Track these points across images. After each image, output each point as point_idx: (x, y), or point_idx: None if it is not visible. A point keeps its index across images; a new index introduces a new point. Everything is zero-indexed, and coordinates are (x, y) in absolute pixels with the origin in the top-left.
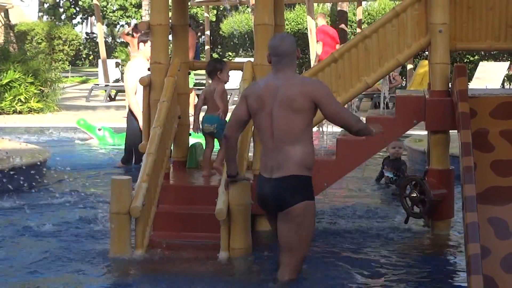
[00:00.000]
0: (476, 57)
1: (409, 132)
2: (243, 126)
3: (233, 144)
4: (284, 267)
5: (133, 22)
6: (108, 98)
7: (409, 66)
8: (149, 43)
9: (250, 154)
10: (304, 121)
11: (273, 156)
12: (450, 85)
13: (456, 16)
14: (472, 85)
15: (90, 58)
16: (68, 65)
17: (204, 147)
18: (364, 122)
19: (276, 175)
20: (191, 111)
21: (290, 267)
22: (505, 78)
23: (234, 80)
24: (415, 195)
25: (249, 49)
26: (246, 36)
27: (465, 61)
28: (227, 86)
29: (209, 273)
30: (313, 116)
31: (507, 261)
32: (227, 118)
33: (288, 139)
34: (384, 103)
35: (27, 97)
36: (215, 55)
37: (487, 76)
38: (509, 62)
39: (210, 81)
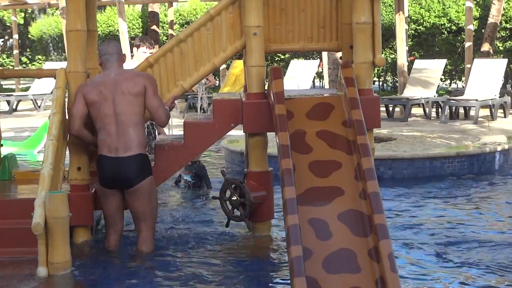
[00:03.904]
0: (287, 55)
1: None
2: (84, 119)
3: (84, 135)
4: (143, 238)
5: None
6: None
7: (222, 66)
8: (141, 48)
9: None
10: (141, 106)
11: (117, 138)
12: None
13: (270, 18)
14: (284, 83)
15: None
16: None
17: (15, 158)
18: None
19: (124, 154)
20: None
21: (148, 237)
22: (316, 75)
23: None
24: (235, 198)
25: (60, 51)
26: (56, 39)
27: (276, 59)
28: (37, 91)
29: None
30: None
31: (329, 261)
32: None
33: (130, 122)
34: (200, 106)
35: None
36: (24, 59)
37: (299, 75)
38: (319, 60)
39: None
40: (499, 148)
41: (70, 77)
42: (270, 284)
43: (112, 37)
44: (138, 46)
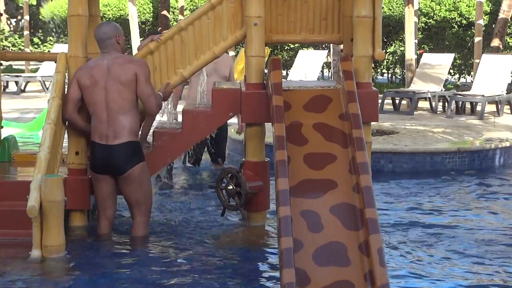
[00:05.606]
0: (297, 44)
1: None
2: (77, 103)
3: (76, 120)
4: (137, 223)
5: None
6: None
7: (231, 53)
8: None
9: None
10: (132, 94)
11: (108, 125)
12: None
13: (272, 8)
14: (292, 73)
15: None
16: None
17: (15, 141)
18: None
19: (114, 142)
20: None
21: (142, 222)
22: (324, 65)
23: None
24: (231, 187)
25: None
26: (66, 21)
27: (285, 48)
28: (46, 73)
29: (21, 272)
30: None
31: (319, 253)
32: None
33: (121, 110)
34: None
35: None
36: (36, 40)
37: (307, 64)
38: (327, 50)
39: None
40: (501, 145)
41: (71, 61)
42: (261, 274)
43: (122, 21)
44: None
